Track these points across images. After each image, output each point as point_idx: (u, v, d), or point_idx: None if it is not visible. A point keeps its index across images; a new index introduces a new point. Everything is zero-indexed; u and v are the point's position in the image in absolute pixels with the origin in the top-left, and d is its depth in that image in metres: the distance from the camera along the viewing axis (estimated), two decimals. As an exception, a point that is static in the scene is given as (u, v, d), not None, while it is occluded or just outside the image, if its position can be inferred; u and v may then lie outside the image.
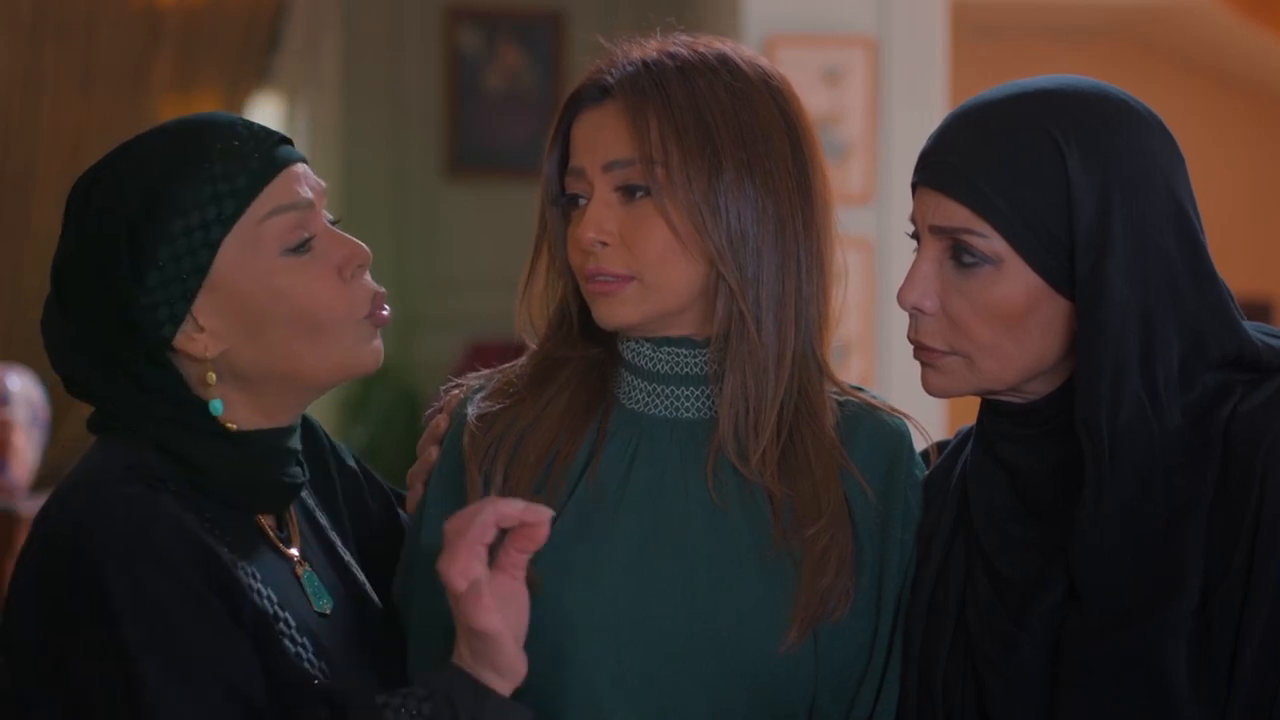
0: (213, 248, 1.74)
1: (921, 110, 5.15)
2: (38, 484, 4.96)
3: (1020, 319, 1.75)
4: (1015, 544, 1.79)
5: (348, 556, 1.93)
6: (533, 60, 7.22)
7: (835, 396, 1.93)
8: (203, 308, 1.75)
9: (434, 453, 1.96)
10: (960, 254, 1.76)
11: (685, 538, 1.86)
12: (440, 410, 2.00)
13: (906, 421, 1.95)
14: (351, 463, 2.03)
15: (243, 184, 1.75)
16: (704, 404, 1.91)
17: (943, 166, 1.77)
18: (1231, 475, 1.71)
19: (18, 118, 6.42)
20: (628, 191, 1.86)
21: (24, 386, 4.67)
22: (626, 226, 1.85)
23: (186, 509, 1.71)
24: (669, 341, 1.90)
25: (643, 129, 1.84)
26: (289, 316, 1.76)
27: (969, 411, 1.97)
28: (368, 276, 1.80)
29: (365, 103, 7.12)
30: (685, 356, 1.90)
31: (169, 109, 6.50)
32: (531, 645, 1.83)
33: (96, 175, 1.77)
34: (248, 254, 1.75)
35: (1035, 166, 1.73)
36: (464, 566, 1.63)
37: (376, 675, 1.82)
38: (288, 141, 1.80)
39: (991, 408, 1.84)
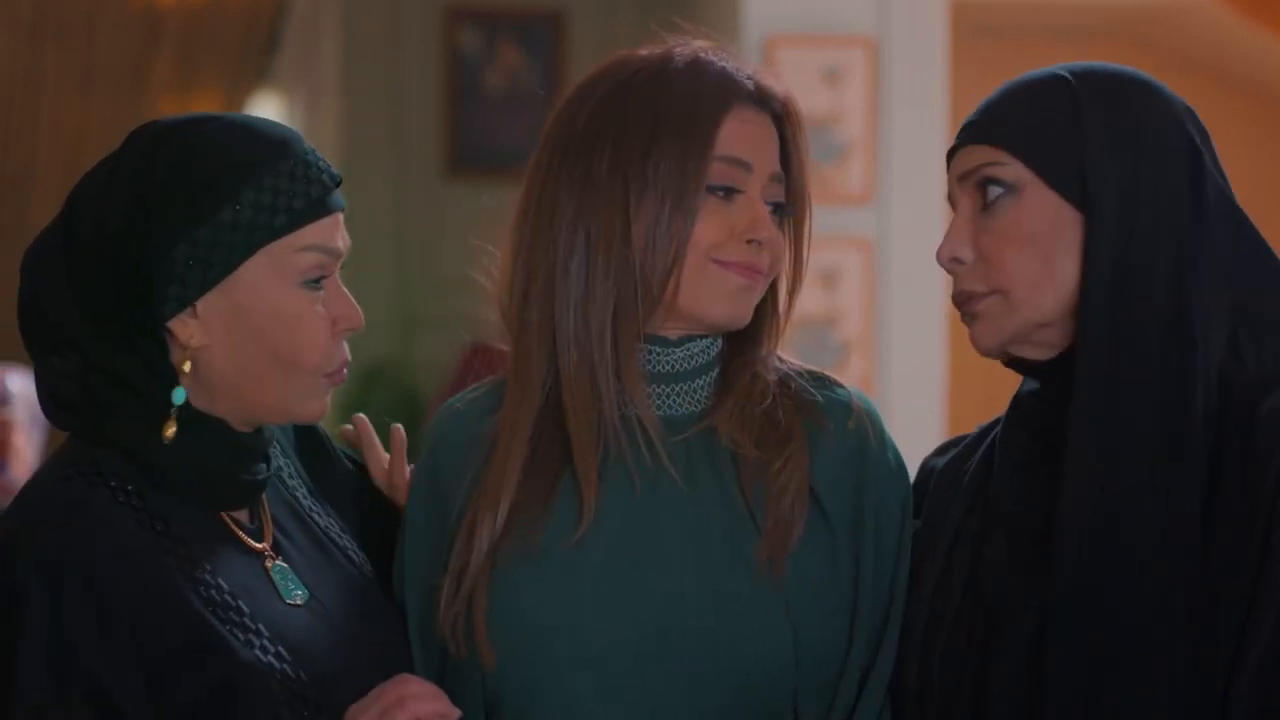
0: (249, 250, 1.76)
1: (921, 110, 5.14)
2: (38, 484, 4.95)
3: (1047, 242, 1.80)
4: (1039, 513, 1.80)
5: (346, 545, 1.94)
6: (533, 60, 7.21)
7: (803, 380, 1.94)
8: (208, 300, 1.77)
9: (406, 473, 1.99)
10: (986, 188, 1.82)
11: (663, 539, 1.86)
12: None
13: (878, 414, 1.97)
14: (349, 464, 2.05)
15: (300, 207, 1.78)
16: (676, 400, 1.91)
17: (966, 126, 1.86)
18: (1241, 469, 1.71)
19: (18, 118, 6.44)
20: (776, 207, 1.92)
21: (24, 386, 4.67)
22: (775, 237, 1.91)
23: (126, 506, 1.74)
24: (655, 340, 1.91)
25: (791, 156, 1.94)
26: (275, 344, 1.78)
27: (969, 411, 1.97)
28: (345, 343, 1.84)
29: (365, 102, 7.12)
30: (659, 355, 1.91)
31: (169, 109, 6.51)
32: (514, 656, 1.84)
33: (178, 129, 1.79)
34: (273, 272, 1.78)
35: (1049, 101, 1.82)
36: None
37: (365, 657, 1.83)
38: (339, 184, 1.84)
39: (1025, 375, 1.87)
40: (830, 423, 1.91)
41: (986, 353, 1.87)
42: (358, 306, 1.84)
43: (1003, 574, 1.81)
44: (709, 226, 1.87)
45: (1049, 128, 1.81)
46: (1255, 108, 7.77)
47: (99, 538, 1.71)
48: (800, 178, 1.94)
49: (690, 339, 1.92)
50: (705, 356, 1.93)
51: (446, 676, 1.88)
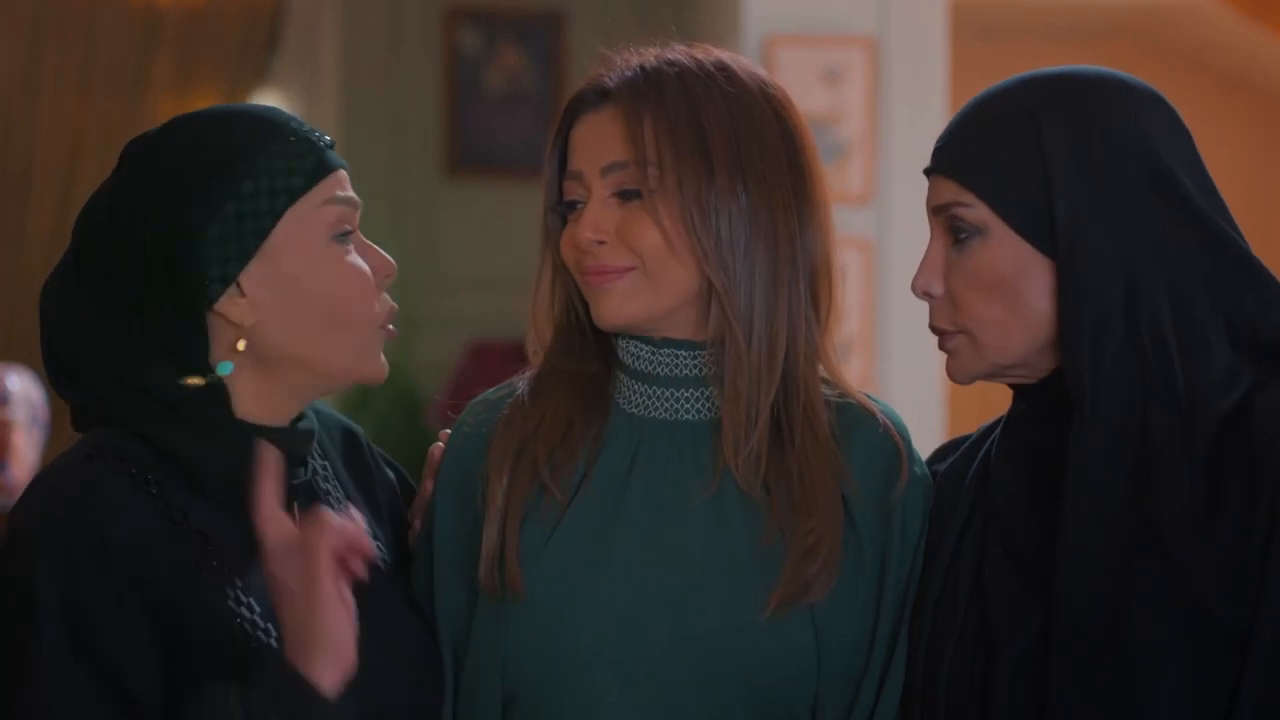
0: (276, 215, 1.79)
1: (921, 110, 5.14)
2: (37, 484, 4.95)
3: (1012, 286, 1.79)
4: (1038, 531, 1.79)
5: (376, 549, 1.94)
6: (532, 60, 7.21)
7: (833, 398, 1.93)
8: (251, 275, 1.79)
9: (429, 486, 1.98)
10: (956, 230, 1.81)
11: (685, 542, 1.86)
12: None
13: (905, 425, 1.96)
14: (390, 474, 2.06)
15: (311, 165, 1.82)
16: (704, 405, 1.91)
17: (938, 151, 1.85)
18: (1242, 469, 1.71)
19: (17, 118, 6.42)
20: (623, 195, 1.87)
21: (24, 386, 4.67)
22: (623, 226, 1.87)
23: (145, 494, 1.75)
24: (669, 343, 1.91)
25: (637, 132, 1.86)
26: (324, 302, 1.81)
27: (969, 411, 1.97)
28: (386, 294, 1.86)
29: (365, 103, 7.12)
30: (684, 358, 1.91)
31: (169, 109, 6.49)
32: (532, 653, 1.84)
33: (169, 129, 1.82)
34: (303, 232, 1.81)
35: (1011, 134, 1.79)
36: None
37: (383, 660, 1.83)
38: (332, 145, 1.88)
39: (1016, 395, 1.86)
40: (863, 430, 1.91)
41: (961, 384, 1.88)
42: (387, 255, 1.87)
43: (1001, 594, 1.81)
44: (564, 250, 1.91)
45: (1013, 170, 1.79)
46: (1255, 108, 7.76)
47: (115, 519, 1.72)
48: (661, 156, 1.86)
49: (668, 343, 1.92)
50: (685, 369, 1.91)
51: (464, 671, 1.89)
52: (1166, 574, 1.71)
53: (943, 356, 1.88)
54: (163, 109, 6.48)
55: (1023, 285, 1.79)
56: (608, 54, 1.93)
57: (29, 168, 6.35)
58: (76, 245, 1.82)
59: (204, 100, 6.54)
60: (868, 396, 1.96)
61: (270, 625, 1.76)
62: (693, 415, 1.91)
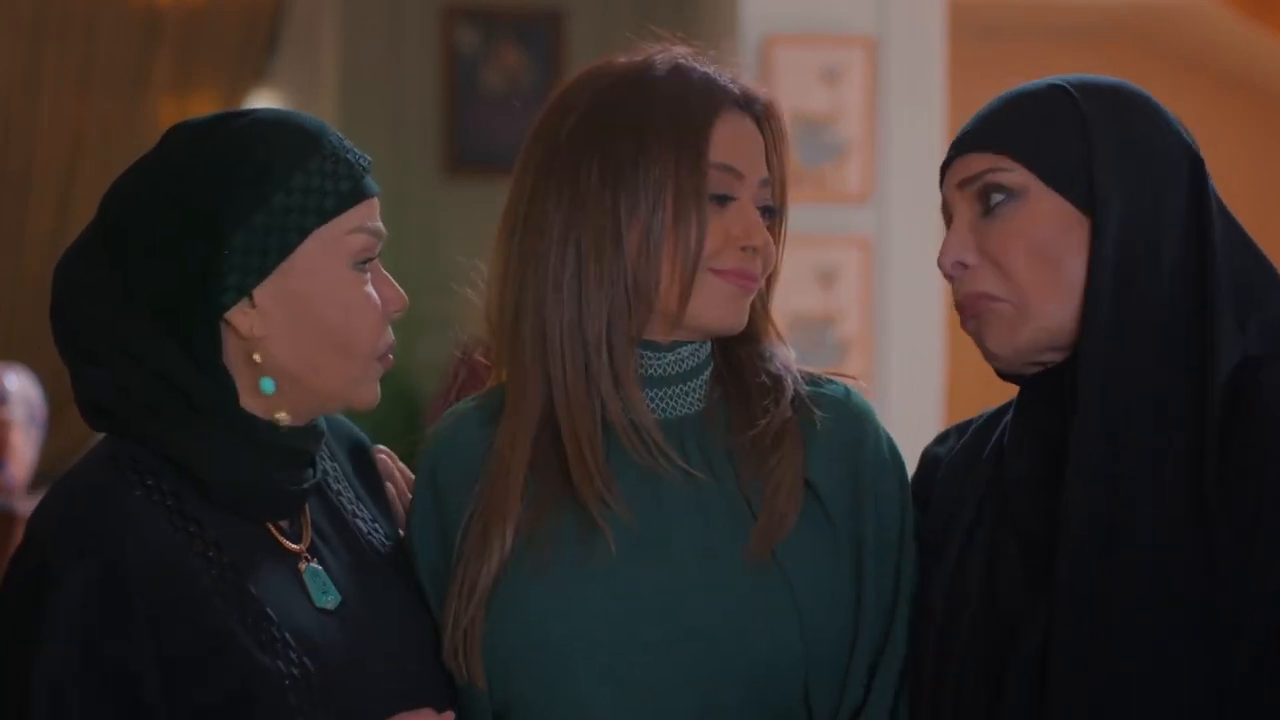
0: (303, 234, 1.78)
1: (920, 110, 5.15)
2: (35, 483, 4.96)
3: (1054, 245, 1.80)
4: (1046, 520, 1.79)
5: (389, 552, 1.94)
6: (531, 60, 7.21)
7: (798, 377, 1.95)
8: (265, 289, 1.78)
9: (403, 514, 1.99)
10: (988, 195, 1.81)
11: (669, 539, 1.86)
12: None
13: (867, 398, 1.98)
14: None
15: (346, 189, 1.81)
16: (668, 404, 1.91)
17: (966, 134, 1.86)
18: (1244, 452, 1.71)
19: (17, 118, 6.42)
20: (765, 210, 1.91)
21: (22, 386, 4.68)
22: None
23: (160, 505, 1.75)
24: (678, 343, 1.91)
25: (772, 159, 1.92)
26: (331, 327, 1.80)
27: (969, 411, 1.96)
28: (389, 327, 1.87)
29: (364, 102, 7.11)
30: (651, 360, 1.91)
31: (169, 109, 6.49)
32: (522, 659, 1.84)
33: (217, 124, 1.81)
34: (325, 255, 1.80)
35: (1050, 109, 1.82)
36: None
37: (394, 669, 1.83)
38: (369, 169, 1.85)
39: (1024, 387, 1.86)
40: (824, 417, 1.92)
41: (1004, 363, 1.85)
42: (401, 289, 1.86)
43: (1011, 590, 1.81)
44: (721, 239, 1.88)
45: (1052, 133, 1.80)
46: (1255, 108, 7.77)
47: (128, 530, 1.72)
48: (782, 180, 1.94)
49: (679, 343, 1.92)
50: (696, 359, 1.93)
51: (457, 680, 1.88)
52: (1165, 566, 1.71)
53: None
54: (163, 109, 6.48)
55: (1065, 246, 1.79)
56: (701, 52, 1.94)
57: (29, 168, 6.35)
58: (108, 224, 1.81)
59: (204, 100, 6.54)
60: (832, 379, 1.97)
61: (286, 635, 1.76)
62: (662, 414, 1.91)
